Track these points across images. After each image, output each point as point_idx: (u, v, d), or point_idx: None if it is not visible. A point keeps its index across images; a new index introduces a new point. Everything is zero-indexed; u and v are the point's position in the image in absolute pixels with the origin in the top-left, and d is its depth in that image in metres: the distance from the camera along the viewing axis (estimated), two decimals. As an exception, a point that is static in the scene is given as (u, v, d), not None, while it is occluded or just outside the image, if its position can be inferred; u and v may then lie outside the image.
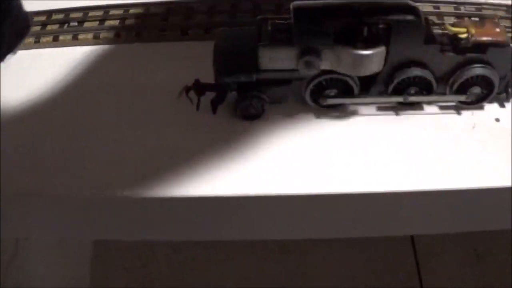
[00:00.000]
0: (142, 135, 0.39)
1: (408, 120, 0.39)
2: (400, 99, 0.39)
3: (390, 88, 0.38)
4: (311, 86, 0.38)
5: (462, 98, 0.39)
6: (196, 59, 0.41)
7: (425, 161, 0.37)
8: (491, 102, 0.41)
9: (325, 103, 0.38)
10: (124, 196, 0.36)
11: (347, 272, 0.96)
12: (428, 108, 0.40)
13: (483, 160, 0.37)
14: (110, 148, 0.38)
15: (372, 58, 0.36)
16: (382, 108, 0.40)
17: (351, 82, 0.38)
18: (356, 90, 0.38)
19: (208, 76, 0.38)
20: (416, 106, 0.40)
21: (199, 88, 0.39)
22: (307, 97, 0.39)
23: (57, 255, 0.85)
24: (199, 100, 0.39)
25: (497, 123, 0.40)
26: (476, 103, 0.40)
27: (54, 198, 0.37)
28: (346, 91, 0.38)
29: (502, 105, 0.41)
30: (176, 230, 0.40)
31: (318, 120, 0.39)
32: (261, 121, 0.39)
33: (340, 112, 0.40)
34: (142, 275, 0.96)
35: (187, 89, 0.40)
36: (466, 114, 0.40)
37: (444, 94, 0.40)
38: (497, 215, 0.39)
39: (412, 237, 0.99)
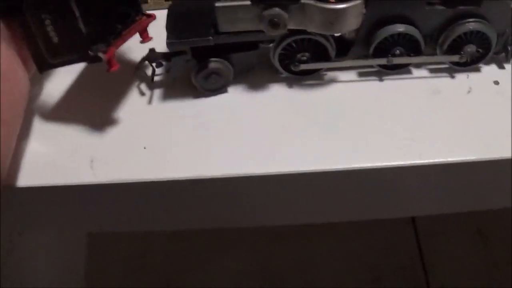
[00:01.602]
0: (90, 113, 0.34)
1: (394, 86, 0.35)
2: (383, 61, 0.34)
3: (371, 49, 0.33)
4: (279, 49, 0.33)
5: (455, 58, 0.34)
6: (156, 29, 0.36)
7: (414, 132, 0.32)
8: (488, 63, 0.36)
9: (297, 69, 0.34)
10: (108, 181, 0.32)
11: (347, 254, 0.93)
12: (416, 72, 0.35)
13: (480, 129, 0.32)
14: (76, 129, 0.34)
15: (347, 13, 0.31)
16: (363, 74, 0.35)
17: (325, 43, 0.33)
18: (332, 53, 0.33)
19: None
20: (402, 70, 0.35)
21: (153, 58, 0.34)
22: (276, 62, 0.34)
23: (53, 245, 0.82)
24: (153, 71, 0.35)
25: (496, 86, 0.35)
26: (471, 64, 0.35)
27: (47, 188, 0.32)
28: (321, 54, 0.33)
29: (501, 66, 0.36)
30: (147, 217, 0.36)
31: (291, 90, 0.34)
32: (225, 94, 0.35)
33: (315, 79, 0.35)
34: (139, 265, 0.93)
35: (141, 61, 0.35)
36: (461, 77, 0.35)
37: (434, 54, 0.35)
38: (497, 191, 0.34)
39: (413, 217, 0.96)
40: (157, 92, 0.35)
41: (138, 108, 0.35)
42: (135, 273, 0.92)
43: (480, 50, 0.34)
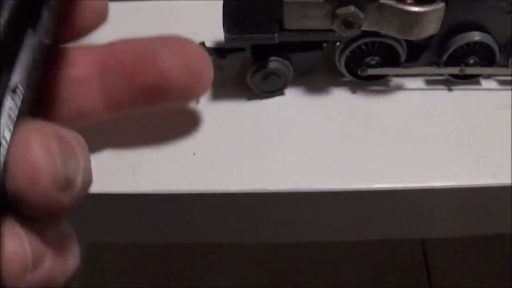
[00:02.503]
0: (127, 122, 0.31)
1: (464, 97, 0.32)
2: (455, 70, 0.31)
3: (445, 56, 0.31)
4: (348, 51, 0.30)
5: (528, 71, 0.32)
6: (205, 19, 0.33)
7: (488, 149, 0.30)
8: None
9: (364, 74, 0.31)
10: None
11: (349, 252, 0.91)
12: (485, 83, 0.33)
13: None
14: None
15: (429, 17, 0.28)
16: (431, 82, 0.32)
17: (398, 47, 0.30)
18: (403, 58, 0.31)
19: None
20: (472, 80, 0.32)
21: (204, 53, 0.31)
22: (342, 65, 0.31)
23: None
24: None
25: None
26: (541, 78, 0.33)
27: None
28: (391, 59, 0.31)
29: None
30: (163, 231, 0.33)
31: (355, 96, 0.32)
32: (282, 96, 0.32)
33: (381, 85, 0.32)
34: (134, 254, 0.91)
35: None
36: (532, 90, 0.33)
37: (505, 66, 0.32)
38: None
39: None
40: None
41: (184, 108, 0.31)
42: (132, 269, 0.90)
43: (552, 63, 0.32)
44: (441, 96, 0.32)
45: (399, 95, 0.32)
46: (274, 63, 0.30)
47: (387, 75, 0.32)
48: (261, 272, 0.89)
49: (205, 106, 0.31)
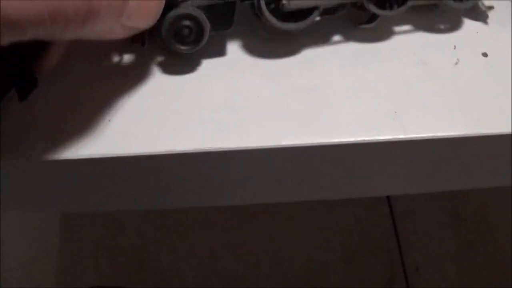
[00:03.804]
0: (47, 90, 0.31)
1: (377, 54, 0.32)
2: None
3: None
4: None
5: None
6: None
7: (399, 106, 0.30)
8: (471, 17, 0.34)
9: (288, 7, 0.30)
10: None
11: (321, 233, 0.91)
12: (400, 40, 0.33)
13: (469, 104, 0.31)
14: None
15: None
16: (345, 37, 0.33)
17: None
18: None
19: None
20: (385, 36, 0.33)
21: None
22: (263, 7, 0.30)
23: (25, 225, 0.82)
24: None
25: (485, 58, 0.33)
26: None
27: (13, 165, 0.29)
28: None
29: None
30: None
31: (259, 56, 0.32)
32: (203, 60, 0.32)
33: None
34: (111, 245, 0.91)
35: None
36: (447, 48, 0.33)
37: None
38: (481, 170, 0.33)
39: (388, 196, 0.95)
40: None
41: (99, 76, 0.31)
42: (107, 254, 0.90)
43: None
44: (356, 54, 0.32)
45: (310, 52, 0.32)
46: (183, 9, 0.29)
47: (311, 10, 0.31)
48: (227, 251, 0.89)
49: (121, 73, 0.31)
